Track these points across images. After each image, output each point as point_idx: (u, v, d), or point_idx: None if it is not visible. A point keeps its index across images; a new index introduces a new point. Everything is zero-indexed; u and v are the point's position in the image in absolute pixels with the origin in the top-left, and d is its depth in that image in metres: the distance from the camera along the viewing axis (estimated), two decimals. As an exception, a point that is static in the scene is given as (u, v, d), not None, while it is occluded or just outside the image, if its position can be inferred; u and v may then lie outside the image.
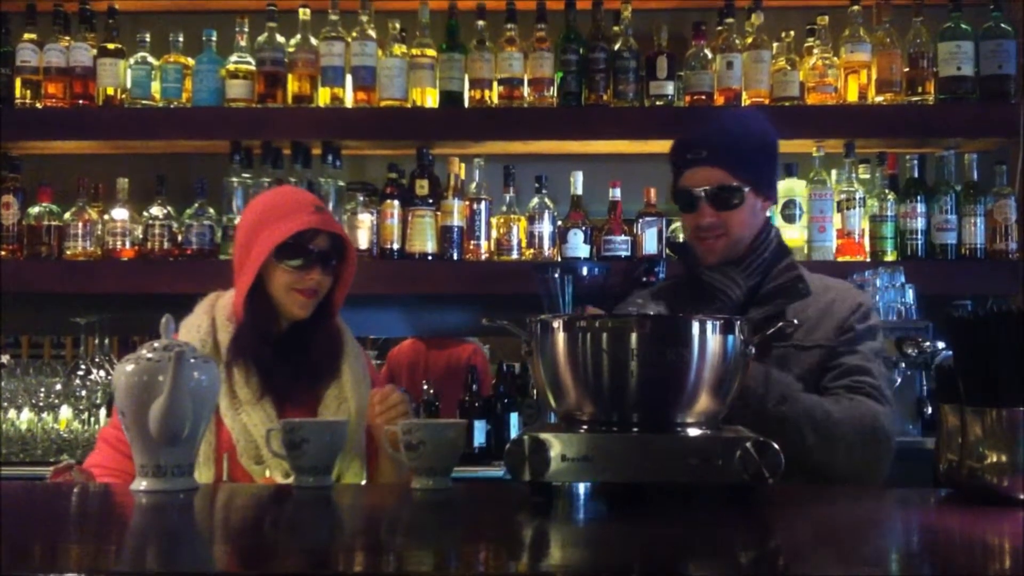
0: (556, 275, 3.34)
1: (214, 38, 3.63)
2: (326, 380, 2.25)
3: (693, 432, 1.58)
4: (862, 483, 2.04)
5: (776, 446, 1.50)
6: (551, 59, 3.56)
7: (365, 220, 3.52)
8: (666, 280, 2.57)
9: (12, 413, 3.33)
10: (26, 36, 3.65)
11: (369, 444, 2.21)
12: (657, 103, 3.52)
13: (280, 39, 3.60)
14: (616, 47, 3.55)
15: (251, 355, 2.19)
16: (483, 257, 3.51)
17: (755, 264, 2.17)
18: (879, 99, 3.52)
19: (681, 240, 2.35)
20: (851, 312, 2.16)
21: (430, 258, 3.50)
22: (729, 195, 2.14)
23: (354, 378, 2.26)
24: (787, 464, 1.53)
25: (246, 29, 3.62)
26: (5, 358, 3.53)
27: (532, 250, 3.51)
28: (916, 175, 3.52)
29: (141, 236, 3.58)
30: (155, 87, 3.63)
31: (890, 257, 3.47)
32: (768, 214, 2.26)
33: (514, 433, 3.36)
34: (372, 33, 3.59)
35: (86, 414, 3.34)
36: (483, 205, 3.51)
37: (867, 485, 2.04)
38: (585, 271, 3.39)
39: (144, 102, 3.62)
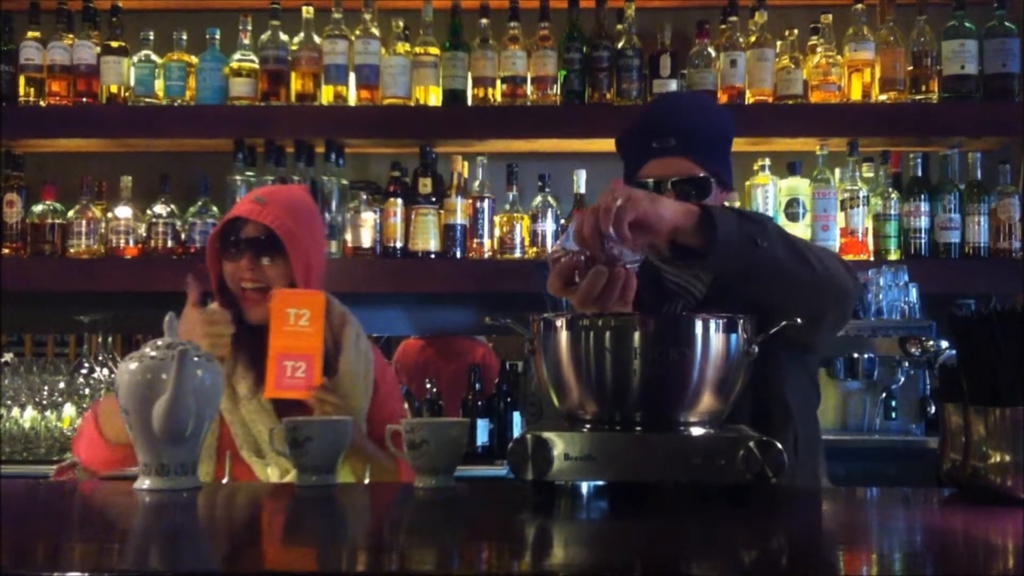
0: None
1: (217, 36, 3.63)
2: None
3: (696, 431, 1.58)
4: (842, 296, 1.91)
5: (779, 445, 1.50)
6: (554, 57, 3.56)
7: (368, 219, 3.52)
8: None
9: (15, 411, 3.33)
10: (30, 34, 3.65)
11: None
12: (660, 101, 3.52)
13: (283, 37, 3.60)
14: (619, 45, 3.55)
15: (240, 347, 2.20)
16: (486, 255, 3.51)
17: None
18: (883, 97, 3.52)
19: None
20: None
21: (433, 256, 3.50)
22: (697, 186, 2.03)
23: (348, 379, 2.24)
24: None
25: (249, 27, 3.62)
26: (8, 356, 3.53)
27: (535, 248, 3.51)
28: (920, 174, 3.52)
29: (144, 234, 3.58)
30: (158, 85, 3.64)
31: (894, 256, 3.47)
32: (726, 204, 2.19)
33: (517, 432, 3.36)
34: (375, 31, 3.59)
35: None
36: (486, 203, 3.51)
37: (843, 303, 1.94)
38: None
39: (147, 100, 3.62)
